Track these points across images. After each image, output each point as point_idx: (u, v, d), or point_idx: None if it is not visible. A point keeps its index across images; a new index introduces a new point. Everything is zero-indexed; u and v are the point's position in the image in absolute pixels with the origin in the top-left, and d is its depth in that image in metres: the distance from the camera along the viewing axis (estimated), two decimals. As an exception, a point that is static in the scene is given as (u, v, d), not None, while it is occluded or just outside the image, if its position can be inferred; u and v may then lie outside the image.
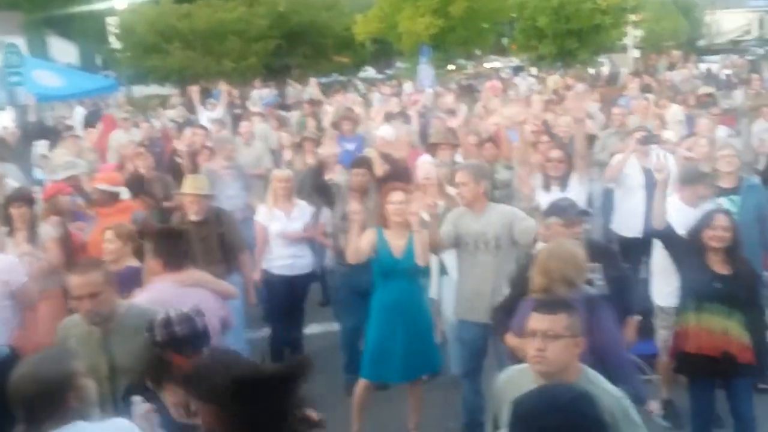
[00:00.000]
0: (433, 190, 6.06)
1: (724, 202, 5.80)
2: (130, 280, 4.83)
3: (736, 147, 6.65)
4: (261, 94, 20.40)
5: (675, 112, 10.72)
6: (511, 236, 5.23)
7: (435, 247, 5.34)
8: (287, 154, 9.23)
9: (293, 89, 23.13)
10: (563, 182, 6.41)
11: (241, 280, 6.31)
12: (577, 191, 6.29)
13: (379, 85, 22.73)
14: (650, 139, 7.15)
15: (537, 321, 2.98)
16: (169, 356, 3.36)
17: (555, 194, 6.15)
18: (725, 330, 4.57)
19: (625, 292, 4.61)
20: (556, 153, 6.52)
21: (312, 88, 16.94)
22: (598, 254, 4.45)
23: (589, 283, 4.18)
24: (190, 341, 3.35)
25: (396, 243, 5.30)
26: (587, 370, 3.07)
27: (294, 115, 14.46)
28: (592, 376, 3.05)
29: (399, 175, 7.10)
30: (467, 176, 5.33)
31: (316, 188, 7.38)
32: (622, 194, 7.22)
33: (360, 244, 5.27)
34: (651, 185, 6.61)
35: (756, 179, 6.48)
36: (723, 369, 4.62)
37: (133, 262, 5.27)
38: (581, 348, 3.02)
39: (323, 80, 27.54)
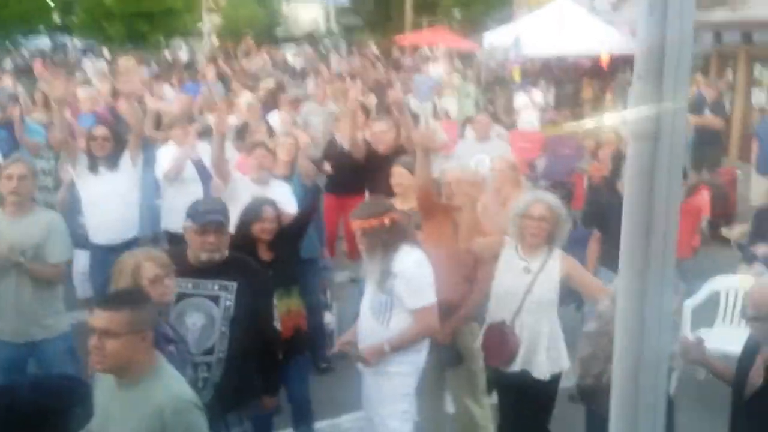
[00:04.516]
0: None
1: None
2: None
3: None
4: None
5: (248, 98, 10.60)
6: (43, 250, 4.59)
7: None
8: None
9: None
10: (112, 162, 5.99)
11: None
12: (130, 172, 6.05)
13: None
14: (208, 130, 7.01)
15: (95, 318, 2.85)
16: None
17: (104, 176, 5.92)
18: (288, 309, 4.60)
19: (262, 310, 4.02)
20: (100, 130, 6.06)
21: None
22: (237, 270, 3.92)
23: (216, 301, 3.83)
24: None
25: None
26: (161, 366, 2.95)
27: None
28: (162, 371, 2.94)
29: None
30: (23, 168, 4.67)
31: None
32: (175, 189, 6.76)
33: None
34: (205, 178, 6.56)
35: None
36: (289, 349, 4.52)
37: None
38: (148, 341, 2.88)
39: None
